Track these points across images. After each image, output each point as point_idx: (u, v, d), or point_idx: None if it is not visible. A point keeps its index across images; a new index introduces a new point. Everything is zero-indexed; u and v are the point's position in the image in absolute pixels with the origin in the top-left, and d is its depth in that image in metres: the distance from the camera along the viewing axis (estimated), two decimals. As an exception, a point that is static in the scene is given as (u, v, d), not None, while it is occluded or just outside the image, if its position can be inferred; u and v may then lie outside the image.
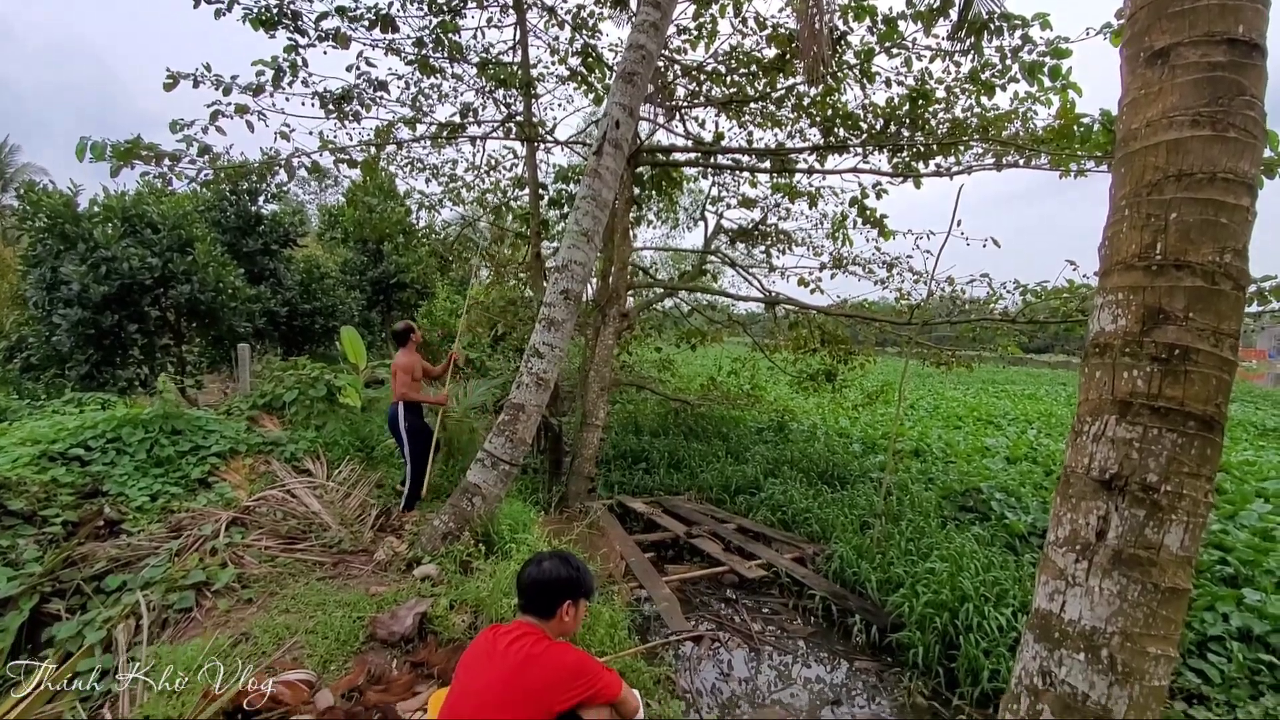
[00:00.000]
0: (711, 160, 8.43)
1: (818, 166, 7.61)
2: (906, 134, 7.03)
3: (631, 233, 7.55)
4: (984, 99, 6.37)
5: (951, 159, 6.84)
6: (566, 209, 7.92)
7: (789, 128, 7.73)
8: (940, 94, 6.69)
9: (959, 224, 5.55)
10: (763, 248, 8.04)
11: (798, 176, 8.23)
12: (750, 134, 8.14)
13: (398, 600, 3.49)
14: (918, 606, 4.74)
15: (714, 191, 8.61)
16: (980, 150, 6.67)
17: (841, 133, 7.22)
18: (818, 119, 7.30)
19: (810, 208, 8.20)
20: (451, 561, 4.01)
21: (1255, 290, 5.49)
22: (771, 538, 6.54)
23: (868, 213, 7.39)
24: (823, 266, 7.59)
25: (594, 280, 8.31)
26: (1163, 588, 1.34)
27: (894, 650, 4.74)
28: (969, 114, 6.61)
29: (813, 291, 7.88)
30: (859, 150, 7.18)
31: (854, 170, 6.81)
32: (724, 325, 9.37)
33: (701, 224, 8.43)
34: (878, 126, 7.03)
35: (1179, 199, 1.39)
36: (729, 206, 8.15)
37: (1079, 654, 1.40)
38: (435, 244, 8.24)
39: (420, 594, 3.58)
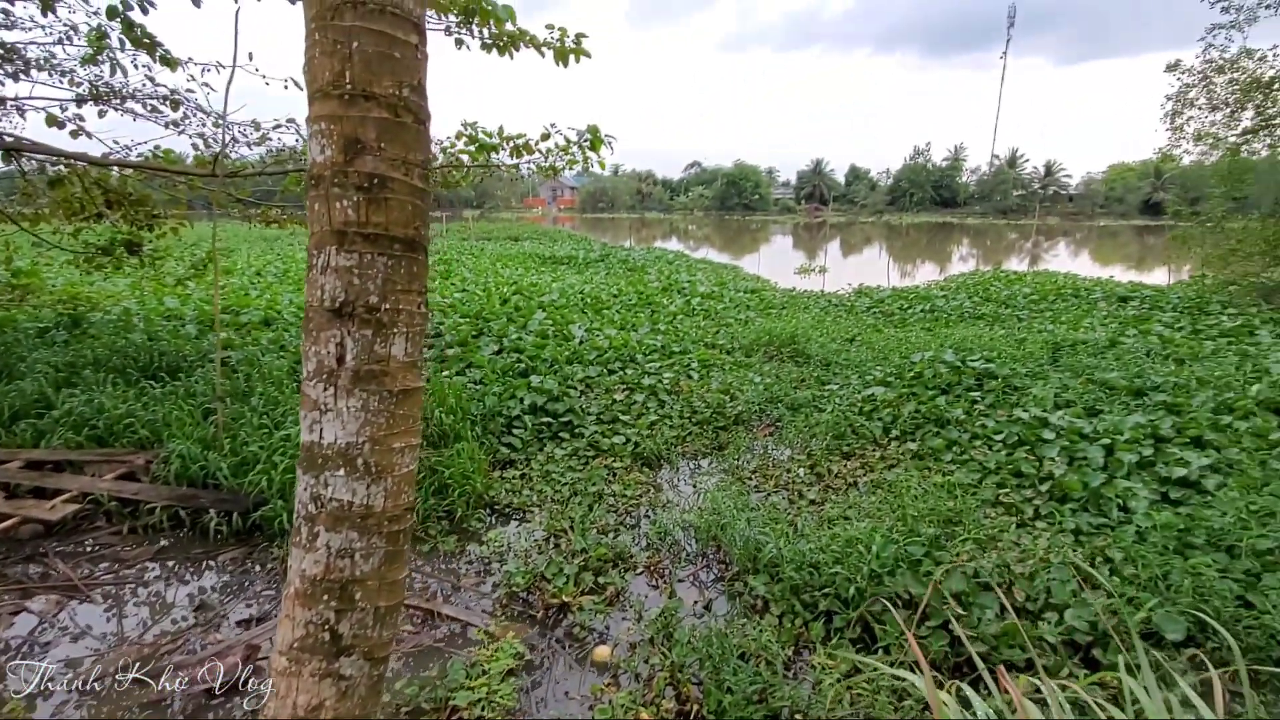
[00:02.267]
0: None
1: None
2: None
3: None
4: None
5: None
6: None
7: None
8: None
9: (250, 57, 4.92)
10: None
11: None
12: None
13: None
14: (277, 476, 4.63)
15: None
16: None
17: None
18: None
19: (44, 13, 5.85)
20: None
21: (513, 146, 6.94)
22: (84, 461, 5.13)
23: (134, 32, 5.76)
24: (80, 100, 5.65)
25: None
26: (395, 391, 1.54)
27: (260, 528, 4.58)
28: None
29: (75, 135, 5.87)
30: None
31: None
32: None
33: None
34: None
35: (358, 28, 1.43)
36: None
37: (339, 470, 1.51)
38: None
39: None
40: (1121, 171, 70.10)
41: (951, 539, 4.08)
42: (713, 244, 39.96)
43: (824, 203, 78.99)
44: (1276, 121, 11.73)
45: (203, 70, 5.40)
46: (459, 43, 5.41)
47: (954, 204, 76.13)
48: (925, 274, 23.85)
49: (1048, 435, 5.31)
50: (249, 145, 5.86)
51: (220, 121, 5.60)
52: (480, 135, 6.61)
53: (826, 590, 3.70)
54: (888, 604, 3.38)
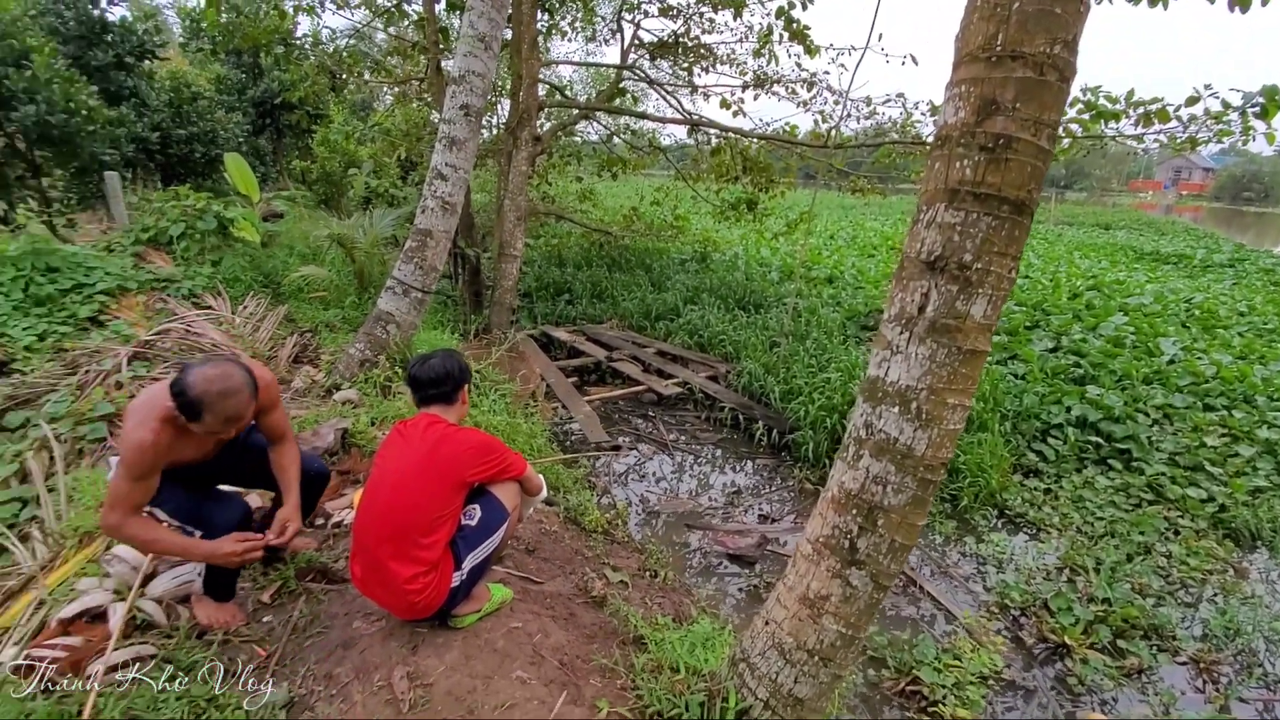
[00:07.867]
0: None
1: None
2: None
3: (543, 44, 6.94)
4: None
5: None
6: (468, 16, 7.14)
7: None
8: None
9: (879, 37, 5.38)
10: (685, 64, 7.60)
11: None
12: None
13: (319, 420, 3.62)
14: (812, 410, 5.30)
15: (632, -3, 7.88)
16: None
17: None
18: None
19: (735, 18, 7.70)
20: (371, 386, 4.13)
21: (1142, 114, 5.71)
22: (688, 359, 6.97)
23: (794, 25, 7.02)
24: (745, 86, 7.29)
25: (504, 101, 7.73)
26: (964, 350, 1.59)
27: (790, 449, 5.36)
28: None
29: (735, 114, 7.65)
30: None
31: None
32: (646, 152, 9.08)
33: (618, 37, 7.79)
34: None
35: (1024, -14, 1.43)
36: (647, 15, 7.53)
37: (894, 407, 1.67)
38: (322, 56, 7.32)
39: (341, 415, 3.72)
40: None
41: None
42: None
43: None
44: None
45: (836, 55, 6.21)
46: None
47: None
48: None
49: None
50: (857, 120, 6.52)
51: (840, 99, 6.39)
52: (1102, 102, 5.64)
53: None
54: None
